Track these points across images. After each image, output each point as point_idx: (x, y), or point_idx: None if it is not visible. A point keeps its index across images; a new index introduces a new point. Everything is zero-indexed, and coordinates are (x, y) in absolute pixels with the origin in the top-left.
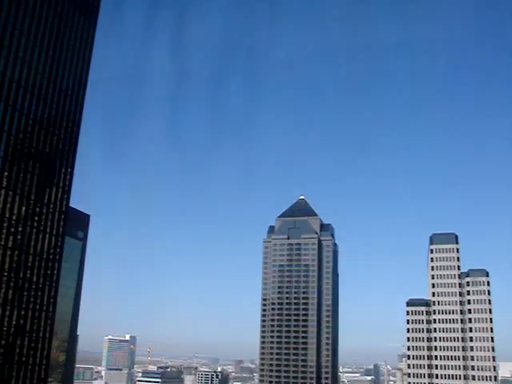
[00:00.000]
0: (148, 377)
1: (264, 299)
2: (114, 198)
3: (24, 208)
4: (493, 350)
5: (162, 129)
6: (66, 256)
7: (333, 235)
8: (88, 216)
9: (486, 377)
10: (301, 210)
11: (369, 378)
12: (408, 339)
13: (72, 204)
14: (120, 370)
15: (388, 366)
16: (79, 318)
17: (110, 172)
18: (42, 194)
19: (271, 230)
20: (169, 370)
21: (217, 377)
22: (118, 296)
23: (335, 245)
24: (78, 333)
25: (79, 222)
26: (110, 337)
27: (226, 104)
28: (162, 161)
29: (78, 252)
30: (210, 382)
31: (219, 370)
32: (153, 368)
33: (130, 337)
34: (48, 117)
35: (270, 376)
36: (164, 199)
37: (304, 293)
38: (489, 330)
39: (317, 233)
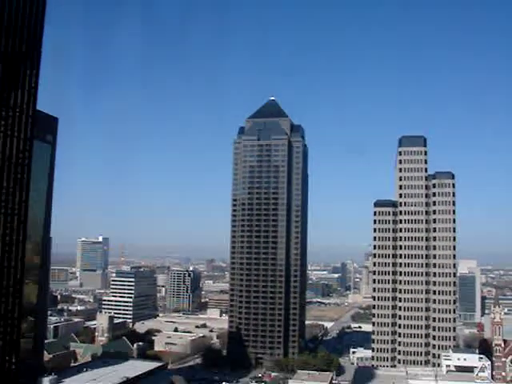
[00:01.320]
0: (122, 276)
1: (234, 200)
2: (82, 100)
3: None
4: (454, 249)
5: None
6: (36, 160)
7: (303, 137)
8: (56, 119)
9: (446, 273)
10: (271, 111)
11: (336, 275)
12: (374, 238)
13: (39, 107)
14: (94, 270)
15: (355, 264)
16: (52, 221)
17: (78, 73)
18: (7, 97)
19: (241, 131)
20: (142, 269)
21: (189, 275)
22: (89, 199)
23: (305, 146)
24: (51, 235)
25: (47, 125)
26: (83, 239)
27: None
28: (130, 66)
29: (47, 155)
30: (182, 280)
31: (191, 268)
32: (126, 268)
33: (103, 238)
34: (8, 16)
35: (241, 274)
36: (135, 105)
37: (274, 193)
38: (451, 230)
39: (287, 134)
